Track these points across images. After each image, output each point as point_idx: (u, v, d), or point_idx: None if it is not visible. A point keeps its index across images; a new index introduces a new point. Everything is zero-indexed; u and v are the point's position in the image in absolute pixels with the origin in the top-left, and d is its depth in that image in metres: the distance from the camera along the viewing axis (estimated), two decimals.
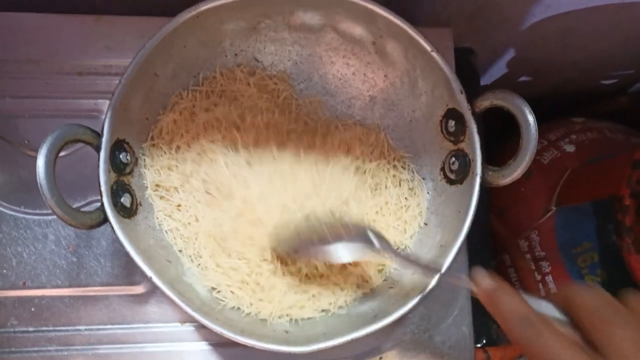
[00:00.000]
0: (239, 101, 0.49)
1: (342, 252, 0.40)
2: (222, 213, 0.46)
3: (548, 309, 0.33)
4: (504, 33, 0.69)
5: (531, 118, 0.39)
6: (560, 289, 0.34)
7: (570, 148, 0.73)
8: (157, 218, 0.46)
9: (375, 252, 0.40)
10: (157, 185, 0.46)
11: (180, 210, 0.46)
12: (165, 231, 0.46)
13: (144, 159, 0.46)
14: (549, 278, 0.69)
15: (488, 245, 0.73)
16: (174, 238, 0.46)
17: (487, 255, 0.73)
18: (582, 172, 0.68)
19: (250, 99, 0.49)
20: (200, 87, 0.49)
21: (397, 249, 0.47)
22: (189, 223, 0.46)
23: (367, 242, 0.41)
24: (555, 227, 0.68)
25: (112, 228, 0.39)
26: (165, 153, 0.47)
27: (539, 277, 0.70)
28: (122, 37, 0.54)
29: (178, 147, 0.47)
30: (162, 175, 0.46)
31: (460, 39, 0.59)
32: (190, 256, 0.46)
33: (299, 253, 0.43)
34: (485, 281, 0.35)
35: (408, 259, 0.40)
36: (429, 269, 0.40)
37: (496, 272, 0.73)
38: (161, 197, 0.46)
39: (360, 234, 0.41)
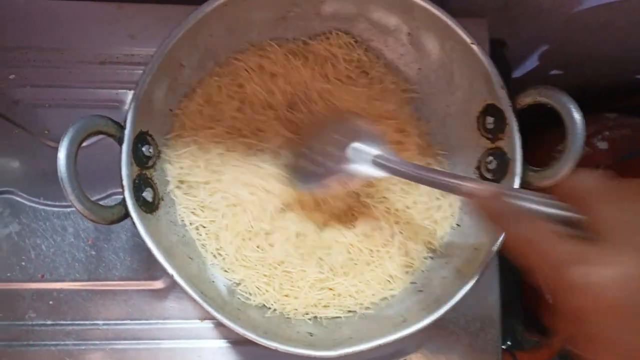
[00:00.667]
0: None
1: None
2: (247, 207, 0.44)
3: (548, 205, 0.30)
4: (538, 25, 0.67)
5: (578, 116, 0.37)
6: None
7: (602, 145, 0.71)
8: (180, 214, 0.44)
9: (379, 168, 0.38)
10: (180, 180, 0.44)
11: (203, 207, 0.45)
12: (187, 228, 0.44)
13: (167, 152, 0.44)
14: None
15: None
16: (198, 234, 0.44)
17: None
18: (614, 169, 0.66)
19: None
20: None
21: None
22: (213, 220, 0.45)
23: (361, 160, 0.39)
24: None
25: (134, 223, 0.38)
26: (189, 146, 0.45)
27: None
28: (146, 26, 0.52)
29: (202, 141, 0.45)
30: (185, 170, 0.44)
31: (491, 30, 0.56)
32: (214, 252, 0.44)
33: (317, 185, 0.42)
34: (487, 189, 0.32)
35: (419, 171, 0.36)
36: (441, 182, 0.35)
37: (522, 274, 0.71)
38: (185, 194, 0.44)
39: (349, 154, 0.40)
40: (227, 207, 0.45)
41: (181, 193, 0.44)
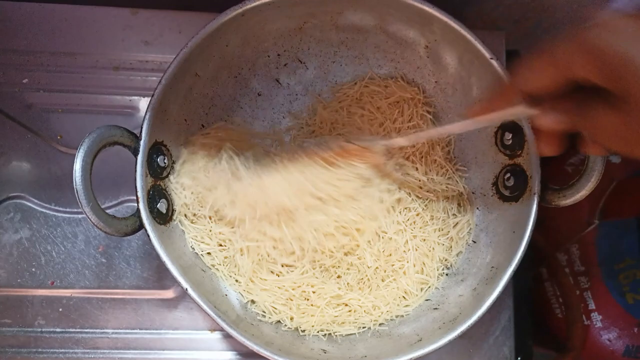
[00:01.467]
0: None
1: None
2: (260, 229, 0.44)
3: None
4: (552, 36, 0.66)
5: None
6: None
7: (616, 159, 0.70)
8: (189, 243, 0.44)
9: None
10: (186, 206, 0.44)
11: (211, 235, 0.44)
12: (199, 254, 0.44)
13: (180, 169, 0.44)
14: (588, 294, 0.66)
15: (526, 256, 0.71)
16: (210, 260, 0.44)
17: (525, 267, 0.71)
18: (628, 184, 0.65)
19: None
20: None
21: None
22: (223, 245, 0.44)
23: None
24: (596, 241, 0.66)
25: (148, 235, 0.38)
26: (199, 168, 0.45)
27: (577, 293, 0.67)
28: (160, 32, 0.52)
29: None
30: (192, 198, 0.44)
31: (507, 42, 0.56)
32: (227, 276, 0.44)
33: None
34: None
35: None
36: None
37: (532, 288, 0.70)
38: (192, 222, 0.44)
39: None
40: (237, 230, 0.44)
41: (188, 222, 0.44)
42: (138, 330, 0.48)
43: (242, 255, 0.43)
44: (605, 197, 0.66)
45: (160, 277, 0.49)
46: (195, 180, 0.43)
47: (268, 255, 0.43)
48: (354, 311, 0.43)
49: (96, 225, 0.35)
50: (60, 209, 0.50)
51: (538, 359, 0.66)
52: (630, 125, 0.27)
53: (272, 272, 0.43)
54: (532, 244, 0.72)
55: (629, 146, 0.28)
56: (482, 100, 0.38)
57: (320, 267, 0.44)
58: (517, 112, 0.33)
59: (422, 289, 0.45)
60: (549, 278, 0.72)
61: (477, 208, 0.46)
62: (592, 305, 0.66)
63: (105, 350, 0.48)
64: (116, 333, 0.48)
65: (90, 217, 0.34)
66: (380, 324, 0.44)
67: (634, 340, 0.65)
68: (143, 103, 0.51)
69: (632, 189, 0.65)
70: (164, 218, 0.40)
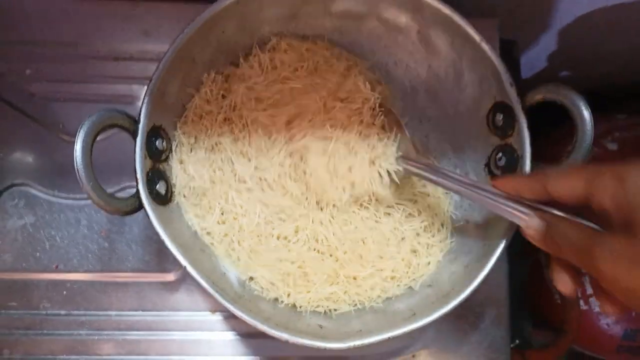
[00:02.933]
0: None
1: None
2: (260, 200, 0.45)
3: None
4: (548, 25, 0.67)
5: (587, 114, 0.37)
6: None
7: (613, 146, 0.71)
8: (188, 222, 0.44)
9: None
10: (185, 187, 0.45)
11: (211, 211, 0.45)
12: (197, 232, 0.45)
13: (177, 149, 0.45)
14: (585, 279, 0.67)
15: (523, 242, 0.71)
16: (210, 239, 0.45)
17: (524, 253, 0.71)
18: None
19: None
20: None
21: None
22: (223, 222, 0.45)
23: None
24: None
25: (147, 215, 0.39)
26: (197, 147, 0.46)
27: None
28: (159, 23, 0.53)
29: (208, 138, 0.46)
30: (191, 173, 0.45)
31: (501, 31, 0.57)
32: (227, 254, 0.45)
33: None
34: (534, 221, 0.35)
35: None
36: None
37: (530, 273, 0.71)
38: (192, 202, 0.45)
39: None
40: (236, 211, 0.45)
41: (186, 200, 0.45)
42: (140, 312, 0.50)
43: (240, 231, 0.44)
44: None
45: (162, 260, 0.50)
46: (194, 167, 0.45)
47: (267, 223, 0.44)
48: (350, 288, 0.44)
49: (96, 204, 0.36)
50: (63, 195, 0.51)
51: (536, 343, 0.67)
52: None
53: (273, 246, 0.44)
54: None
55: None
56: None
57: (317, 241, 0.45)
58: (522, 217, 0.36)
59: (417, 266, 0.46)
60: (547, 264, 0.72)
61: None
62: (589, 290, 0.66)
63: (108, 332, 0.49)
64: (119, 315, 0.49)
65: (91, 194, 0.35)
66: (375, 302, 0.45)
67: (632, 324, 0.65)
68: (143, 91, 0.52)
69: None
70: (163, 199, 0.42)
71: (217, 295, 0.38)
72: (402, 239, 0.46)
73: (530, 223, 0.35)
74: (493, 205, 0.37)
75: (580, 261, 0.31)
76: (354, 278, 0.44)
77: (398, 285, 0.46)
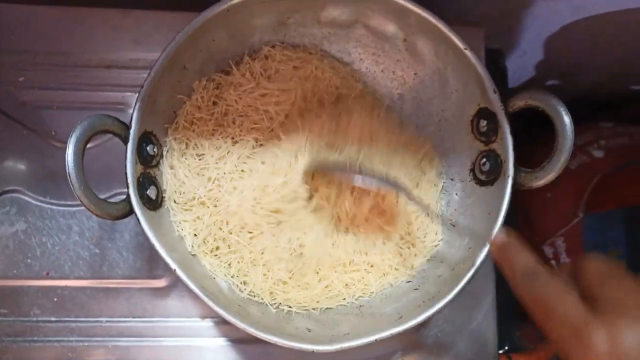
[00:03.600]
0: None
1: (365, 182, 0.44)
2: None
3: None
4: (533, 34, 0.68)
5: (567, 119, 0.38)
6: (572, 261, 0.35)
7: (599, 154, 0.72)
8: (176, 228, 0.45)
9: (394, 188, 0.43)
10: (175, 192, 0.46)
11: (201, 216, 0.46)
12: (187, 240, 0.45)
13: (168, 155, 0.45)
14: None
15: None
16: (199, 243, 0.45)
17: None
18: (611, 178, 0.66)
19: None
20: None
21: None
22: (213, 225, 0.46)
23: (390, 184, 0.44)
24: (582, 233, 0.67)
25: (138, 220, 0.39)
26: (187, 153, 0.46)
27: None
28: (150, 32, 0.54)
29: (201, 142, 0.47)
30: (181, 178, 0.45)
31: (488, 40, 0.58)
32: (216, 257, 0.45)
33: (330, 174, 0.45)
34: (499, 236, 0.37)
35: (421, 204, 0.43)
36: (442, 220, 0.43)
37: None
38: (183, 209, 0.46)
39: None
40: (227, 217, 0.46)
41: (176, 206, 0.45)
42: (131, 319, 0.50)
43: (230, 235, 0.44)
44: (589, 190, 0.67)
45: (152, 267, 0.51)
46: (185, 172, 0.45)
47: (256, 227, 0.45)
48: (337, 291, 0.45)
49: (87, 208, 0.36)
50: (55, 201, 0.51)
51: (525, 349, 0.67)
52: None
53: (257, 250, 0.45)
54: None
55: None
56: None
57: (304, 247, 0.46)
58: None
59: (404, 269, 0.46)
60: None
61: (456, 194, 0.48)
62: None
63: (99, 338, 0.49)
64: (110, 321, 0.50)
65: (82, 198, 0.36)
66: (361, 306, 0.45)
67: None
68: (134, 99, 0.52)
69: (616, 182, 0.66)
70: (153, 204, 0.42)
71: (206, 299, 0.38)
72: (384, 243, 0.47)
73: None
74: None
75: (537, 308, 0.32)
76: (341, 279, 0.45)
77: (386, 287, 0.46)
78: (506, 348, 0.67)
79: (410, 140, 0.49)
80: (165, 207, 0.44)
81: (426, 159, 0.49)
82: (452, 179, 0.49)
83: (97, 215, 0.37)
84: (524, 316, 0.69)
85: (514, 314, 0.68)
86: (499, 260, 0.36)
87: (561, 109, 0.39)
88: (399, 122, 0.50)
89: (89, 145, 0.38)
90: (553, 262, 0.69)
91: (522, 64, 0.75)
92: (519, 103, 0.41)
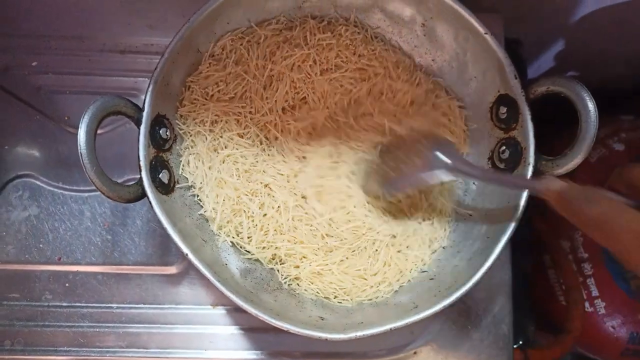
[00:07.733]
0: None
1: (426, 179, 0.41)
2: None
3: None
4: (553, 24, 0.67)
5: (591, 105, 0.37)
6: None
7: (619, 146, 0.70)
8: (197, 196, 0.45)
9: (453, 173, 0.40)
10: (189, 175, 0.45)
11: (217, 197, 0.45)
12: (203, 211, 0.45)
13: (181, 139, 0.45)
14: (591, 281, 0.66)
15: (528, 243, 0.71)
16: (214, 215, 0.45)
17: (528, 254, 0.71)
18: None
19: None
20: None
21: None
22: (225, 200, 0.45)
23: (441, 166, 0.40)
24: None
25: (150, 203, 0.39)
26: (200, 136, 0.46)
27: (580, 279, 0.67)
28: (164, 16, 0.53)
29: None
30: (194, 162, 0.45)
31: (507, 30, 0.56)
32: (229, 235, 0.45)
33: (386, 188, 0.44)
34: (555, 184, 0.35)
35: (488, 173, 0.43)
36: (512, 181, 0.41)
37: (534, 274, 0.70)
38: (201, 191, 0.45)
39: (432, 161, 0.41)
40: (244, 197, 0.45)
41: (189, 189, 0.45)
42: (142, 305, 0.50)
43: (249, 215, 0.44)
44: (608, 184, 0.66)
45: (164, 253, 0.50)
46: (198, 156, 0.45)
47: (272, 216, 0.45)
48: (352, 280, 0.44)
49: (100, 189, 0.36)
50: (68, 187, 0.51)
51: (539, 344, 0.66)
52: None
53: (274, 231, 0.45)
54: (535, 232, 0.73)
55: None
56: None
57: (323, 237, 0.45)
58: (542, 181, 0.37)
59: (421, 259, 0.46)
60: (552, 265, 0.72)
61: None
62: (595, 292, 0.66)
63: (110, 324, 0.49)
64: (120, 308, 0.49)
65: (94, 180, 0.35)
66: (376, 296, 0.44)
67: (638, 327, 0.65)
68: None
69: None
70: (165, 188, 0.42)
71: (218, 284, 0.38)
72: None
73: (550, 185, 0.35)
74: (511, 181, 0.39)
75: (598, 228, 0.31)
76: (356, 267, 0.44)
77: (401, 279, 0.45)
78: (520, 343, 0.66)
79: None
80: (177, 192, 0.43)
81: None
82: None
83: (108, 197, 0.37)
84: (539, 313, 0.69)
85: (530, 310, 0.67)
86: (559, 207, 0.35)
87: (585, 94, 0.37)
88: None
89: (101, 131, 0.38)
90: (570, 257, 0.68)
91: (540, 53, 0.74)
92: (540, 89, 0.40)
